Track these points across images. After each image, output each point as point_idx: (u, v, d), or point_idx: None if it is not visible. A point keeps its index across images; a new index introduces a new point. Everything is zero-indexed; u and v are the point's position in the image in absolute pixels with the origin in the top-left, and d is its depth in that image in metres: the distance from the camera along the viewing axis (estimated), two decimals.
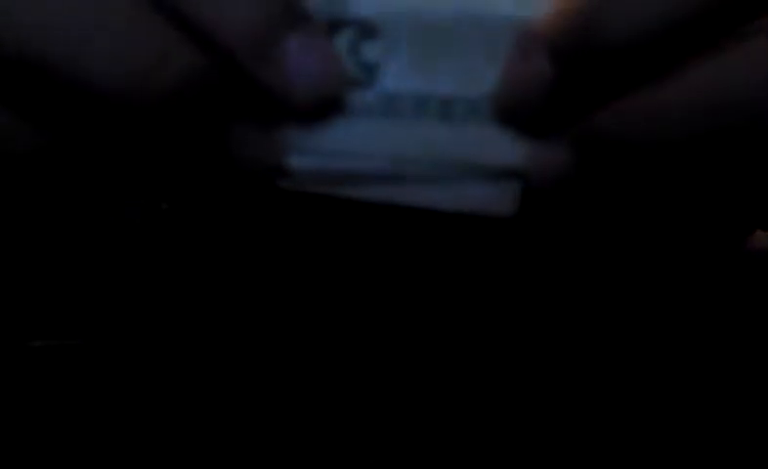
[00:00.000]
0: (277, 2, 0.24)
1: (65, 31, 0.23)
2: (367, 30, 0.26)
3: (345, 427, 0.39)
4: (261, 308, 0.40)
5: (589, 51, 0.25)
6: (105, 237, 0.36)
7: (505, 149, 0.26)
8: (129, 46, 0.24)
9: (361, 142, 0.26)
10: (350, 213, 0.36)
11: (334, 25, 0.25)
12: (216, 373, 0.40)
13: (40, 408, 0.40)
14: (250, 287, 0.39)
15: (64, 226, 0.36)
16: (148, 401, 0.40)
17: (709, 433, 0.39)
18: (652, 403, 0.40)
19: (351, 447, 0.39)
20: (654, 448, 0.39)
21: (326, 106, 0.26)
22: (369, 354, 0.39)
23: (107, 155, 0.27)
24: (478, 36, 0.26)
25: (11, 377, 0.39)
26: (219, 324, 0.40)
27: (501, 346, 0.39)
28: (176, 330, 0.40)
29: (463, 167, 0.27)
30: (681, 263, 0.38)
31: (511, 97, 0.26)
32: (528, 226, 0.35)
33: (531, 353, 0.39)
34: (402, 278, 0.38)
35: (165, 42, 0.24)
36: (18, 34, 0.23)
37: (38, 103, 0.25)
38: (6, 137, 0.25)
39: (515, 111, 0.26)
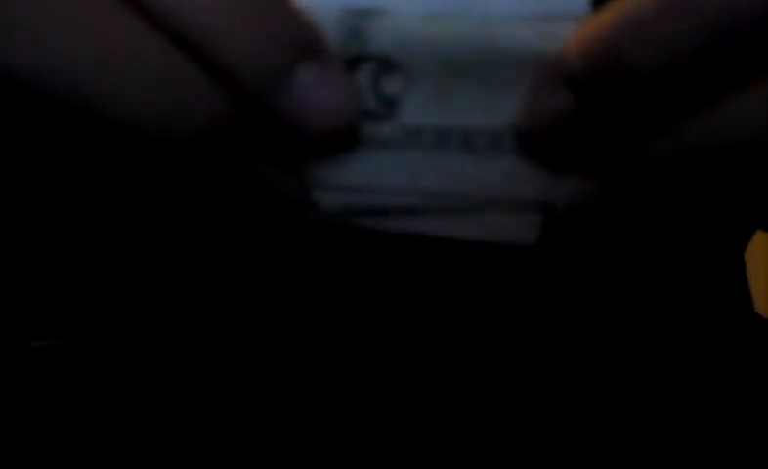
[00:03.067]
0: (291, 34, 0.24)
1: (102, 73, 0.24)
2: (387, 65, 0.26)
3: (358, 448, 0.40)
4: (282, 329, 0.40)
5: (612, 82, 0.25)
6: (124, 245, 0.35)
7: (528, 180, 0.26)
8: (161, 89, 0.24)
9: (383, 175, 0.27)
10: (373, 243, 0.37)
11: (355, 60, 0.26)
12: (221, 379, 0.40)
13: (40, 409, 0.40)
14: (272, 309, 0.39)
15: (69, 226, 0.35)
16: (148, 401, 0.40)
17: (714, 448, 0.40)
18: (664, 423, 0.40)
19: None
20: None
21: (343, 138, 0.26)
22: (391, 377, 0.39)
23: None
24: (498, 68, 0.26)
25: (11, 378, 0.39)
26: (236, 341, 0.40)
27: (521, 370, 0.39)
28: (190, 340, 0.40)
29: (486, 199, 0.27)
30: (688, 273, 0.38)
31: (533, 130, 0.26)
32: (550, 255, 0.35)
33: (551, 376, 0.39)
34: (423, 306, 0.38)
35: (194, 85, 0.24)
36: (52, 68, 0.24)
37: (34, 124, 0.25)
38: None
39: (537, 144, 0.26)
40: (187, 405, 0.40)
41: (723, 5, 0.24)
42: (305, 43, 0.25)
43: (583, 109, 0.25)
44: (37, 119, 0.25)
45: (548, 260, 0.37)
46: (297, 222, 0.30)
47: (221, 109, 0.24)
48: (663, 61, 0.24)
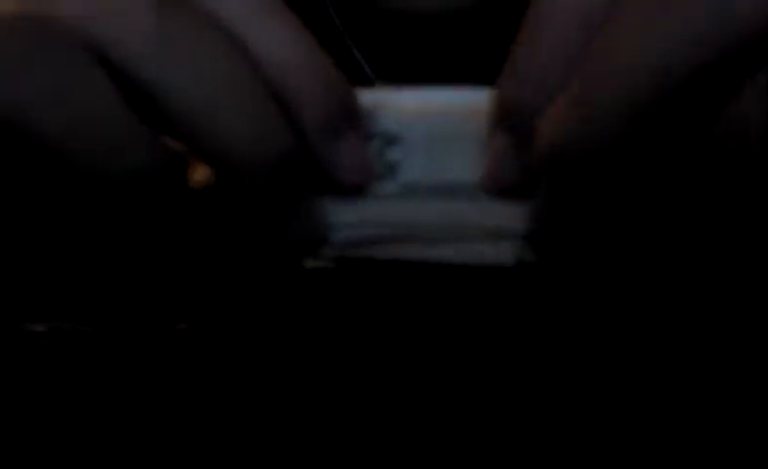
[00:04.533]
0: (347, 109, 0.32)
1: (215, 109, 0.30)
2: (391, 139, 0.34)
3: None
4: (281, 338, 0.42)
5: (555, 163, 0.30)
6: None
7: (503, 214, 0.33)
8: (254, 121, 0.30)
9: (384, 215, 0.34)
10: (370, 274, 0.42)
11: (367, 136, 0.34)
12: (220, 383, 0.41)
13: (42, 394, 0.41)
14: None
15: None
16: (151, 394, 0.41)
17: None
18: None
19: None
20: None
21: (357, 191, 0.33)
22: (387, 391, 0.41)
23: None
24: (475, 137, 0.33)
25: (11, 361, 0.40)
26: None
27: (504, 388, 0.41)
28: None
29: (468, 230, 0.34)
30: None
31: (492, 184, 0.33)
32: (531, 275, 0.38)
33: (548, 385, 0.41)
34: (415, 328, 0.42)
35: (275, 120, 0.31)
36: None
37: None
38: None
39: (500, 190, 0.33)
40: (186, 403, 0.41)
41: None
42: (353, 116, 0.33)
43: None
44: None
45: (530, 281, 0.39)
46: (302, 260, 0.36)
47: (291, 146, 0.31)
48: (593, 141, 0.28)
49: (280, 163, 0.31)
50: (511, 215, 0.33)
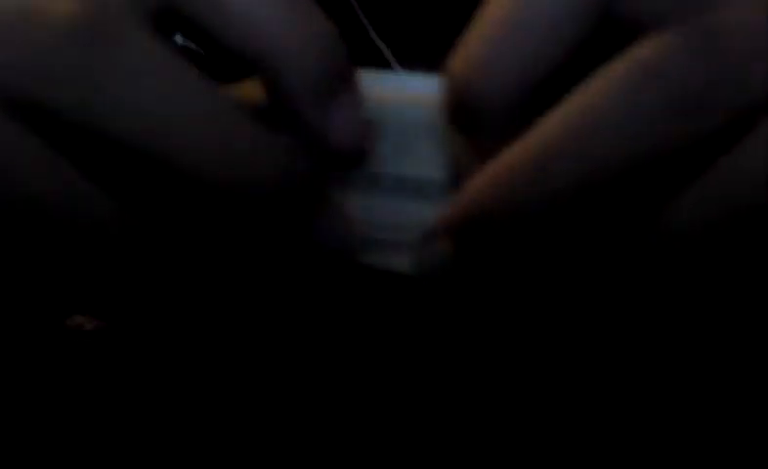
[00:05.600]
0: (340, 66, 0.29)
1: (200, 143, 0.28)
2: None
3: None
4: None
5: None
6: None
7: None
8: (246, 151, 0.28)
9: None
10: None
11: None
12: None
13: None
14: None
15: None
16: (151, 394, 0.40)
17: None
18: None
19: None
20: None
21: (354, 156, 0.31)
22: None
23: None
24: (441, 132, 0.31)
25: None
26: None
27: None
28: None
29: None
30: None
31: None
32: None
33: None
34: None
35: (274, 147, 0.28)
36: (150, 133, 0.27)
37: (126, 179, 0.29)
38: (88, 209, 0.28)
39: None
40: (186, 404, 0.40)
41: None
42: (347, 74, 0.30)
43: None
44: (138, 179, 0.29)
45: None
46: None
47: (293, 160, 0.29)
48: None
49: (270, 186, 0.28)
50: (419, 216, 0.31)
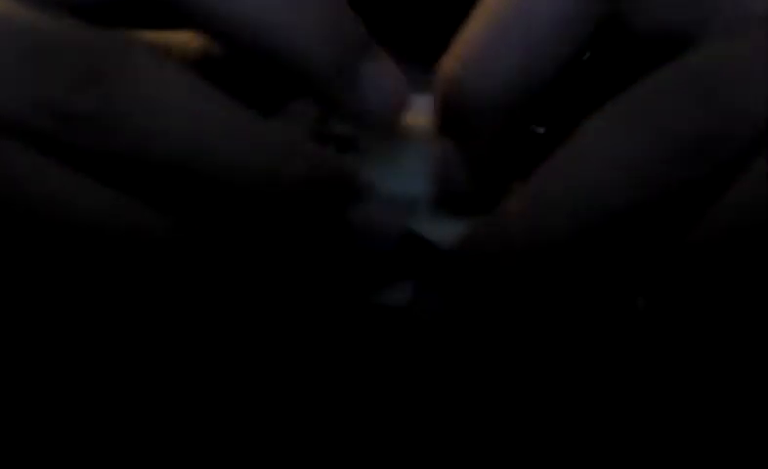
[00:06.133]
0: (353, 33, 0.28)
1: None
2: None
3: None
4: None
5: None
6: None
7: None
8: (260, 147, 0.27)
9: None
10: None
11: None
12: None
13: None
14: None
15: None
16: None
17: None
18: None
19: None
20: None
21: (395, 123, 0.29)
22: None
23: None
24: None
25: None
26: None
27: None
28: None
29: None
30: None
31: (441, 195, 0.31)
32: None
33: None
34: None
35: (290, 139, 0.27)
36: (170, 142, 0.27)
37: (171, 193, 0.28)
38: (139, 228, 0.27)
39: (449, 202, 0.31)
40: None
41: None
42: (364, 41, 0.28)
43: None
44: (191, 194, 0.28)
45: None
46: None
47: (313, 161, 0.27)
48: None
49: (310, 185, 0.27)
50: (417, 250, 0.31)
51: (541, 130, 0.39)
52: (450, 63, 0.28)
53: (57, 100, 0.26)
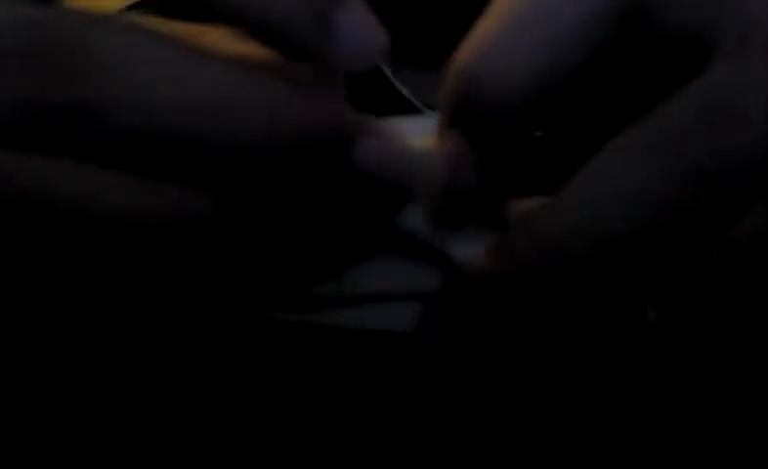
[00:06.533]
0: None
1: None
2: None
3: None
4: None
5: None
6: None
7: (403, 274, 0.29)
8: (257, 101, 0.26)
9: None
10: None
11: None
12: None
13: None
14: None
15: None
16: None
17: None
18: None
19: None
20: None
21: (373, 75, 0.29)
22: None
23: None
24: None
25: None
26: None
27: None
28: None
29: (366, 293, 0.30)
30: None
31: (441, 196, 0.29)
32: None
33: None
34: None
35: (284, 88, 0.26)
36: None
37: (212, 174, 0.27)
38: (185, 212, 0.27)
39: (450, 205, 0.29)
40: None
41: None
42: None
43: None
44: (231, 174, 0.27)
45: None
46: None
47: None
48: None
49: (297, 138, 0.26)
50: (421, 274, 0.30)
51: (538, 134, 0.39)
52: (467, 55, 0.27)
53: (35, 100, 0.25)
